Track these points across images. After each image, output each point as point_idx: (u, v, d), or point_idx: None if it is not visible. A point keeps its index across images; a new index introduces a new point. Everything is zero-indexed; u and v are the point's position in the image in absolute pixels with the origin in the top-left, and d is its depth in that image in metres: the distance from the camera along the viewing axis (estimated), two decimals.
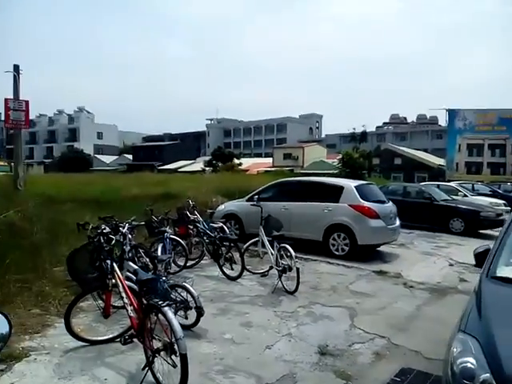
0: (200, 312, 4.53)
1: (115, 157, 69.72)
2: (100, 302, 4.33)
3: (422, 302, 6.01)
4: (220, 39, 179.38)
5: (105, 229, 4.61)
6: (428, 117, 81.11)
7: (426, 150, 51.37)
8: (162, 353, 3.30)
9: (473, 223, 12.23)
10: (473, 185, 20.79)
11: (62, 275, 6.10)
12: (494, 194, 19.45)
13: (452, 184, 18.75)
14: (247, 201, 9.85)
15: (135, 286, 4.09)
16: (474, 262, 8.49)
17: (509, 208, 15.80)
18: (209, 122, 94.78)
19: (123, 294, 3.89)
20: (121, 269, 4.41)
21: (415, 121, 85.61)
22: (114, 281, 4.05)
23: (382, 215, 8.42)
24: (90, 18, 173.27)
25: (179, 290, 4.61)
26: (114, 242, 5.29)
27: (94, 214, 8.47)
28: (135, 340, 3.66)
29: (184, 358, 3.12)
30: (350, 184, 8.90)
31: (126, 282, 4.06)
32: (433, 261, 8.82)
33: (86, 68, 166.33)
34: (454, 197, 14.53)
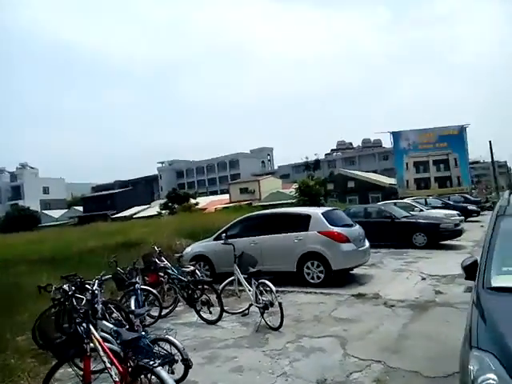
0: (188, 364, 4.19)
1: (64, 210, 67.04)
2: (76, 369, 3.92)
3: (406, 320, 5.98)
4: (164, 83, 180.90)
5: (74, 289, 4.24)
6: (372, 140, 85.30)
7: (375, 172, 53.55)
8: None
9: (434, 236, 12.64)
10: (425, 199, 21.71)
11: (27, 344, 5.57)
12: (446, 206, 20.38)
13: (407, 200, 19.47)
14: (214, 240, 9.62)
15: (116, 347, 3.76)
16: (443, 274, 8.81)
17: (463, 217, 16.58)
18: (160, 165, 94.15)
19: (105, 359, 3.54)
20: (95, 327, 4.05)
21: (361, 145, 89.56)
22: (91, 345, 3.69)
23: (351, 238, 8.47)
24: (26, 69, 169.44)
25: (161, 343, 4.28)
26: (84, 301, 4.94)
27: (51, 273, 7.96)
28: None
29: None
30: (316, 211, 8.95)
31: (106, 343, 3.71)
32: (405, 277, 8.92)
33: (27, 122, 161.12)
34: (412, 212, 15.02)
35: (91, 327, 3.78)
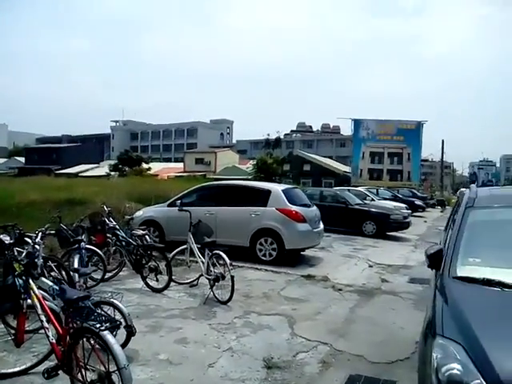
0: (131, 331, 3.96)
1: (4, 159, 62.94)
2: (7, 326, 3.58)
3: (353, 305, 6.05)
4: (127, 38, 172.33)
5: (15, 241, 3.84)
6: (331, 126, 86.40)
7: (330, 157, 54.38)
8: None
9: (383, 226, 13.00)
10: (377, 190, 22.35)
11: None
12: (395, 199, 21.09)
13: (361, 189, 19.90)
14: (168, 206, 9.29)
15: (55, 306, 3.45)
16: (389, 263, 9.05)
17: (410, 211, 17.18)
18: (114, 124, 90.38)
19: (43, 317, 3.22)
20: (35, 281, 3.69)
21: (320, 129, 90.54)
22: (29, 301, 3.35)
23: (308, 219, 8.46)
24: None
25: (105, 307, 4.01)
26: (24, 254, 4.53)
27: None
28: (60, 372, 3.02)
29: None
30: (277, 188, 8.83)
31: (45, 301, 3.39)
32: (354, 263, 9.10)
33: None
34: (365, 201, 15.35)
35: (31, 282, 3.44)
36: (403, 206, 17.39)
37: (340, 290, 6.80)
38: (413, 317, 5.61)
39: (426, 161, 66.76)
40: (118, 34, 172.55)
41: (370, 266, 8.80)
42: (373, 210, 13.62)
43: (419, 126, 32.71)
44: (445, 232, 5.36)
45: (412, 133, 32.52)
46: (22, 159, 60.59)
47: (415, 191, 29.20)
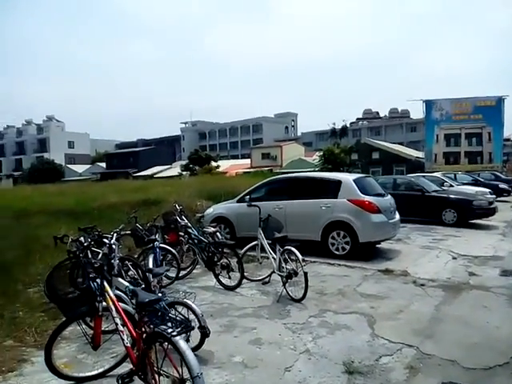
0: (205, 332, 3.90)
1: (88, 166, 67.81)
2: (85, 327, 3.66)
3: (438, 302, 5.54)
4: (190, 41, 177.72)
5: (90, 241, 3.93)
6: (400, 110, 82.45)
7: (401, 144, 51.84)
8: None
9: (466, 213, 11.97)
10: (455, 174, 20.72)
11: (38, 297, 5.39)
12: (476, 183, 19.47)
13: (437, 174, 18.60)
14: (237, 202, 9.27)
15: (130, 309, 3.46)
16: (475, 254, 8.28)
17: (494, 196, 15.72)
18: (183, 125, 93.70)
19: (117, 320, 3.24)
20: (110, 284, 3.75)
21: (387, 115, 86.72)
22: (104, 303, 3.39)
23: (382, 209, 7.97)
24: (58, 24, 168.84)
25: (179, 307, 3.99)
26: (101, 255, 4.67)
27: (70, 226, 7.78)
28: (135, 378, 3.01)
29: None
30: (347, 177, 8.41)
31: (120, 303, 3.41)
32: (435, 255, 8.43)
33: (56, 76, 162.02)
34: (443, 187, 14.29)
35: (105, 284, 3.49)
36: (486, 190, 15.92)
37: (422, 285, 6.29)
38: (509, 315, 5.05)
39: (509, 140, 61.24)
40: (180, 38, 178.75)
41: (454, 258, 8.09)
42: (452, 196, 12.59)
43: (500, 101, 29.73)
44: None
45: (492, 110, 29.66)
46: (104, 164, 64.87)
47: (499, 174, 26.69)
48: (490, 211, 12.30)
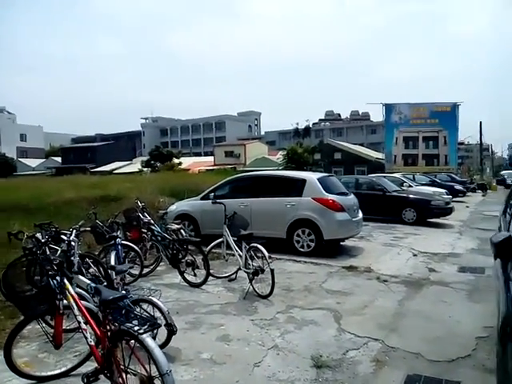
0: (172, 330, 3.79)
1: (42, 160, 64.97)
2: (45, 326, 3.46)
3: (401, 297, 5.68)
4: (152, 37, 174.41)
5: (47, 238, 3.71)
6: (360, 113, 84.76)
7: (362, 145, 53.22)
8: None
9: (425, 212, 12.41)
10: (413, 175, 21.48)
11: None
12: (433, 184, 20.24)
13: (396, 175, 19.19)
14: (202, 199, 9.14)
15: (92, 306, 3.30)
16: (435, 251, 8.57)
17: (451, 196, 16.41)
18: (144, 121, 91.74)
19: (80, 318, 3.08)
20: (70, 281, 3.56)
21: (349, 117, 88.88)
22: (65, 301, 3.21)
23: (346, 208, 8.10)
24: (13, 13, 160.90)
25: (144, 305, 3.85)
26: (59, 252, 4.44)
27: (24, 222, 7.40)
28: (101, 376, 2.87)
29: None
30: (312, 176, 8.48)
31: (82, 301, 3.24)
32: (396, 252, 8.66)
33: (7, 66, 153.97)
34: (402, 188, 14.74)
35: (66, 281, 3.31)
36: (443, 191, 16.60)
37: (385, 281, 6.43)
38: (469, 309, 5.24)
39: (463, 144, 64.32)
40: (144, 33, 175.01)
41: (415, 255, 8.34)
42: (412, 196, 13.02)
43: (455, 107, 31.18)
44: (504, 216, 4.90)
45: (447, 115, 31.05)
46: (59, 159, 62.37)
47: (454, 175, 27.97)
48: (447, 211, 12.82)
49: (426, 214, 12.46)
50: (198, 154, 70.87)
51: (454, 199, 18.94)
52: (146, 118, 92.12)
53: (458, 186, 22.72)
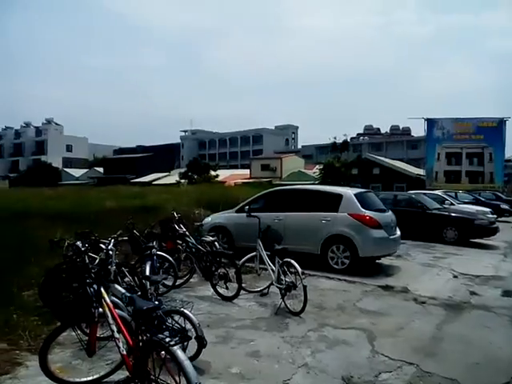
0: (202, 343, 3.81)
1: (85, 170, 67.59)
2: (80, 333, 3.56)
3: (440, 321, 5.45)
4: (192, 51, 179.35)
5: (87, 246, 3.85)
6: (401, 128, 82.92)
7: (401, 160, 51.91)
8: None
9: (467, 232, 11.91)
10: (456, 193, 20.71)
11: (33, 300, 5.28)
12: (477, 202, 19.44)
13: (438, 192, 18.57)
14: (236, 212, 9.19)
15: (126, 315, 3.37)
16: (477, 273, 8.20)
17: (496, 216, 15.68)
18: (183, 133, 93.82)
19: (114, 327, 3.15)
20: (106, 290, 3.66)
21: (388, 132, 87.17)
22: (100, 310, 3.30)
23: (383, 225, 7.91)
24: (59, 27, 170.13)
25: (176, 316, 3.89)
26: (98, 261, 4.58)
27: (67, 230, 7.69)
28: None
29: None
30: (349, 192, 8.35)
31: (116, 310, 3.32)
32: (435, 273, 8.35)
33: (56, 79, 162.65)
34: (443, 205, 14.24)
35: (102, 290, 3.40)
36: (487, 210, 15.89)
37: (423, 302, 6.21)
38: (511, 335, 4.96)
39: (510, 161, 61.50)
40: (182, 47, 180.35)
41: (455, 277, 8.00)
42: (454, 214, 12.54)
43: (501, 123, 29.90)
44: None
45: (493, 131, 29.80)
46: (101, 169, 64.72)
47: (500, 194, 26.72)
48: (491, 231, 12.25)
49: (469, 233, 11.94)
50: (235, 167, 71.49)
51: (500, 219, 18.11)
52: (185, 131, 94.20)
53: (504, 205, 21.66)
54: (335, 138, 38.36)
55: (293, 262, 5.64)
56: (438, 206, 13.37)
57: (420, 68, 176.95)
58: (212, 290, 6.33)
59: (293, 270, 5.66)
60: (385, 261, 8.88)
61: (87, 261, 3.92)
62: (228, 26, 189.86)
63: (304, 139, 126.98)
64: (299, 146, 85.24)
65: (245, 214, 8.06)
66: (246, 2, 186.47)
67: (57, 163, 66.68)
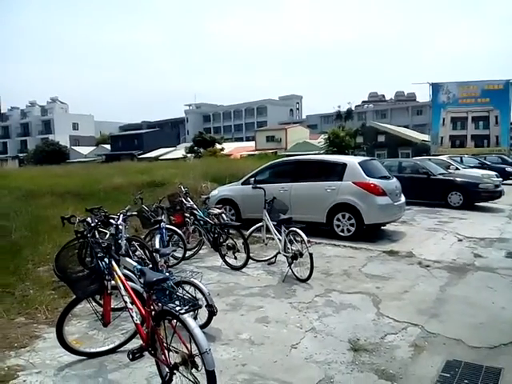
0: (212, 311, 3.96)
1: (93, 147, 67.79)
2: (95, 305, 3.72)
3: (444, 283, 5.57)
4: (193, 24, 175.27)
5: (97, 222, 3.96)
6: (406, 93, 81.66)
7: (406, 127, 51.29)
8: (180, 368, 2.74)
9: (472, 196, 11.90)
10: (461, 158, 20.57)
11: (48, 276, 5.48)
12: (483, 166, 19.31)
13: (442, 157, 18.47)
14: (242, 184, 9.28)
15: (138, 287, 3.51)
16: (481, 236, 8.28)
17: (501, 179, 15.63)
18: (187, 107, 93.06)
19: (126, 298, 3.30)
20: (118, 263, 3.80)
21: (393, 98, 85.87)
22: (113, 282, 3.44)
23: (388, 192, 7.95)
24: (61, 7, 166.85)
25: (186, 286, 4.03)
26: (108, 235, 4.71)
27: (77, 206, 7.84)
28: (145, 353, 3.07)
29: (212, 376, 2.57)
30: (353, 160, 8.37)
31: (128, 282, 3.46)
32: (440, 237, 8.43)
33: (58, 57, 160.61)
34: (449, 170, 14.20)
35: (113, 263, 3.54)
36: (493, 173, 15.83)
37: (427, 266, 6.32)
38: None
39: None
40: (182, 21, 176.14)
41: (460, 240, 8.09)
42: (458, 179, 12.50)
43: (508, 85, 29.14)
44: None
45: (499, 93, 29.14)
46: (108, 146, 64.85)
47: (505, 157, 26.43)
48: (496, 194, 12.23)
49: (474, 197, 11.93)
50: (240, 140, 71.25)
51: (505, 182, 18.05)
52: (189, 105, 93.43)
53: (509, 168, 21.45)
54: (339, 107, 37.97)
55: (298, 230, 5.75)
56: (443, 171, 13.32)
57: (427, 32, 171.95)
58: (221, 260, 6.49)
59: (299, 239, 5.78)
60: (390, 227, 8.98)
61: (97, 236, 4.03)
62: (225, 3, 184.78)
63: (309, 109, 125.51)
64: (304, 116, 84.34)
65: (250, 186, 8.14)
66: None
67: (64, 142, 66.82)
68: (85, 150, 64.93)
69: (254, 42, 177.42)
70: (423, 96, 70.82)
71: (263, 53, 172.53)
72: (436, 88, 30.18)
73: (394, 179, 8.81)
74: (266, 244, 6.88)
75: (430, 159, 16.22)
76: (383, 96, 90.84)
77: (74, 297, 3.61)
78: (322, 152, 27.02)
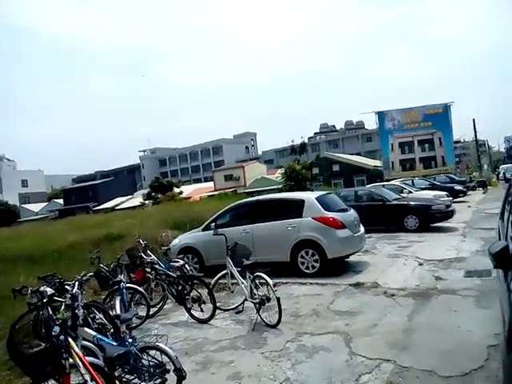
0: (181, 375, 3.77)
1: (44, 203, 65.36)
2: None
3: (410, 311, 5.64)
4: (140, 69, 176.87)
5: (50, 294, 3.74)
6: (355, 122, 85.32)
7: (359, 154, 53.47)
8: None
9: (426, 218, 12.38)
10: (412, 180, 21.50)
11: (2, 353, 5.04)
12: (433, 187, 20.23)
13: (395, 182, 19.22)
14: (203, 230, 9.17)
15: (99, 362, 3.30)
16: (440, 258, 8.52)
17: (451, 198, 16.38)
18: (142, 153, 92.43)
19: (87, 377, 3.08)
20: (75, 339, 3.56)
21: (343, 127, 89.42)
22: (71, 360, 3.21)
23: (347, 224, 8.10)
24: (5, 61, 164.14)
25: (152, 351, 3.85)
26: (63, 307, 4.45)
27: (30, 271, 7.42)
28: None
29: None
30: (310, 196, 8.52)
31: (87, 358, 3.24)
32: (402, 263, 8.61)
33: (2, 115, 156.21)
34: (402, 195, 14.75)
35: (70, 340, 3.30)
36: (443, 193, 16.61)
37: (393, 295, 6.39)
38: (478, 316, 5.19)
39: (458, 142, 64.43)
40: (132, 69, 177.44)
41: (420, 264, 8.29)
42: (412, 203, 13.00)
43: (446, 108, 31.41)
44: (501, 221, 4.90)
45: (440, 117, 31.26)
46: (61, 201, 62.70)
47: (453, 176, 27.95)
48: (448, 214, 12.78)
49: (428, 219, 12.42)
50: (199, 181, 71.15)
51: (456, 200, 18.95)
52: (144, 151, 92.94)
53: (457, 187, 22.67)
54: (293, 141, 39.16)
55: (263, 275, 5.69)
56: (397, 196, 13.83)
57: (367, 62, 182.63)
58: (187, 314, 6.28)
59: (264, 283, 5.71)
60: (353, 258, 9.07)
61: (50, 311, 3.78)
62: (171, 48, 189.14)
63: (264, 145, 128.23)
64: (260, 152, 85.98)
65: (211, 232, 8.04)
66: (188, 14, 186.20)
67: (13, 200, 63.93)
68: (36, 207, 62.44)
69: (200, 82, 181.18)
70: (371, 123, 73.86)
71: (213, 94, 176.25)
72: (381, 116, 31.90)
73: (352, 210, 9.01)
74: (232, 291, 6.76)
75: (383, 185, 16.84)
76: (334, 126, 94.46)
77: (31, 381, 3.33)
78: (280, 187, 27.40)
